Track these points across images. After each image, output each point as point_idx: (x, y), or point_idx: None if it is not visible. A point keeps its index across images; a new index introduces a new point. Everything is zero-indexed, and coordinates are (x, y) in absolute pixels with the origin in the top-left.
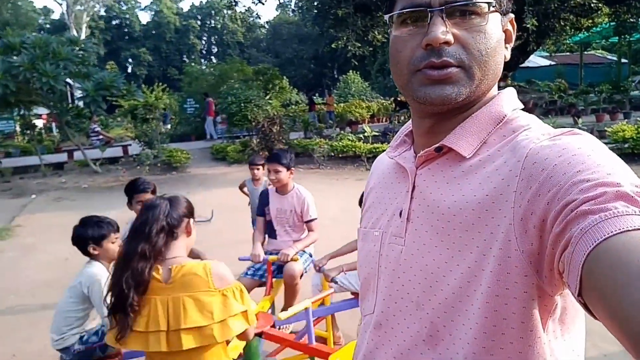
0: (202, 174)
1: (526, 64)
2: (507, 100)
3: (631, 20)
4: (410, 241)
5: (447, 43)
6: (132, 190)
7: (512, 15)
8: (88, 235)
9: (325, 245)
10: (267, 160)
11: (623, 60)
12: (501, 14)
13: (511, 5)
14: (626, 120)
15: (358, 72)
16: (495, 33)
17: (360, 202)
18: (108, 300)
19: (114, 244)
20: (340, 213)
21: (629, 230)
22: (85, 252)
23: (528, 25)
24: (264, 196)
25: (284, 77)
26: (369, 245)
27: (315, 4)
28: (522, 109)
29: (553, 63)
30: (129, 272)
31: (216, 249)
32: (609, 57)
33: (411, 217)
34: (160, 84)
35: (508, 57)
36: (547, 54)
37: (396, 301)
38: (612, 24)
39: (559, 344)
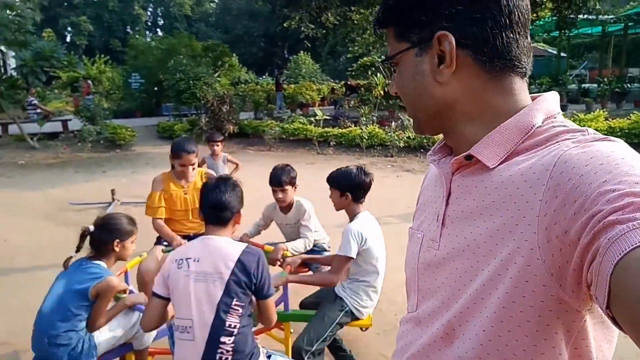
0: (148, 152)
1: None
2: (539, 109)
3: (571, 16)
4: (443, 245)
5: (396, 93)
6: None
7: (440, 33)
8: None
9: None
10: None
11: (562, 54)
12: (417, 47)
13: (430, 29)
14: (563, 113)
15: (309, 53)
16: (406, 70)
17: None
18: None
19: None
20: None
21: None
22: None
23: None
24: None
25: (234, 55)
26: (413, 246)
27: None
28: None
29: None
30: None
31: None
32: (550, 50)
33: (446, 222)
34: (102, 55)
35: (443, 79)
36: None
37: (431, 302)
38: (554, 18)
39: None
